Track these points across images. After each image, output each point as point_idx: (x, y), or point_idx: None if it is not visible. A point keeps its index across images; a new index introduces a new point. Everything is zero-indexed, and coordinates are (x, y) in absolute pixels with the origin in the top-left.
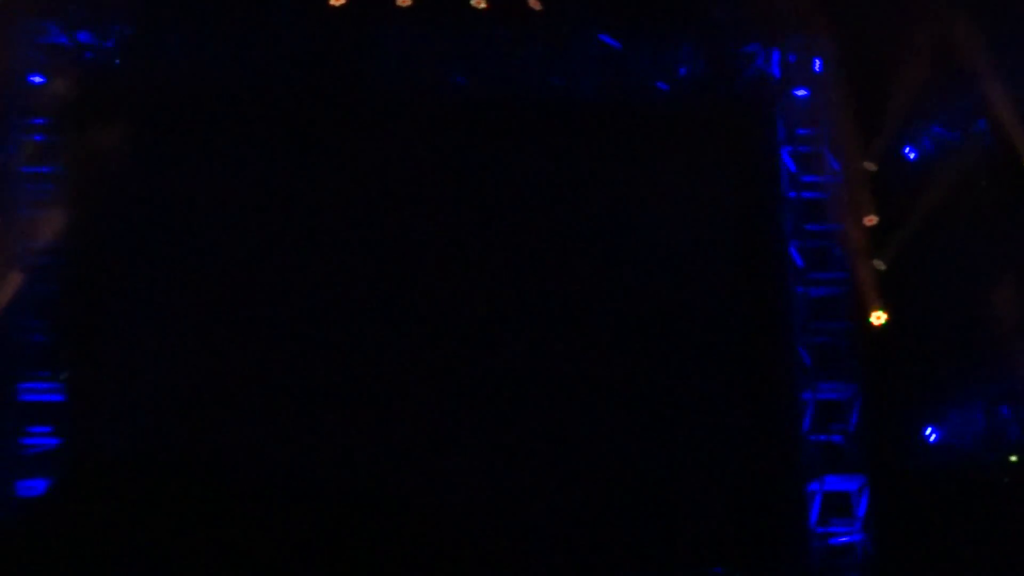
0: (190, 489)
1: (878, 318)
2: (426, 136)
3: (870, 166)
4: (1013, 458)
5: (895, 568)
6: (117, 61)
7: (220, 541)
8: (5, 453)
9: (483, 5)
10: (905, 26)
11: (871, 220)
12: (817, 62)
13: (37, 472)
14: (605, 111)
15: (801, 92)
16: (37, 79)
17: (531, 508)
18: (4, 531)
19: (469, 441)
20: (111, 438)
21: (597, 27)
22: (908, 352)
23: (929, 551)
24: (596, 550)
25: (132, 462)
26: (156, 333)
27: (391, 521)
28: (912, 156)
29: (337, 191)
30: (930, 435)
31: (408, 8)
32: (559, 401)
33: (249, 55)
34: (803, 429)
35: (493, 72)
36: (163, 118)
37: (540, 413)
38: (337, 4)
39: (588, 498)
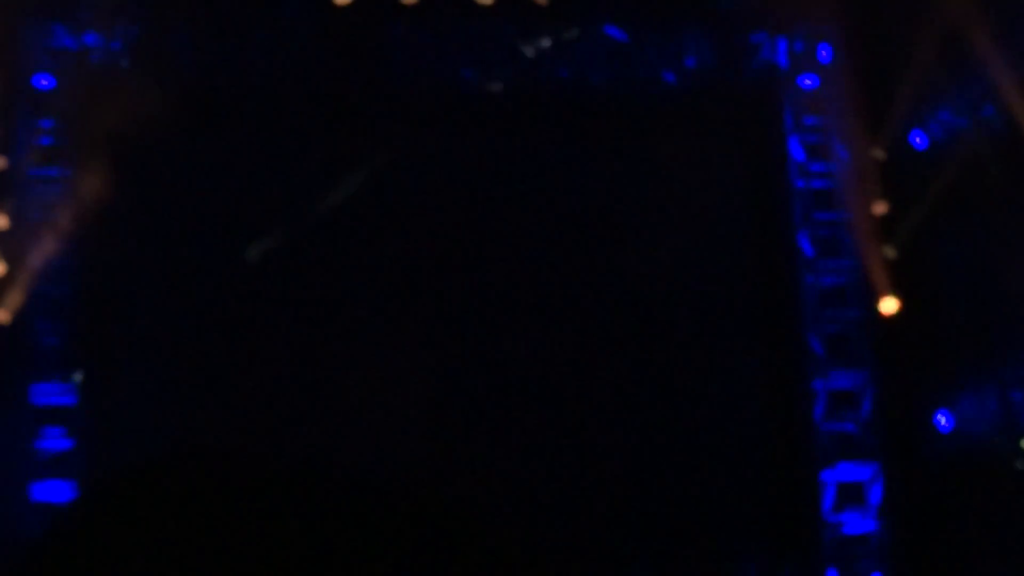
0: (213, 489)
1: (889, 306)
2: (435, 131)
3: (879, 154)
4: None
5: (910, 556)
6: (124, 63)
7: (250, 539)
8: (18, 456)
9: (488, 1)
10: (912, 13)
11: (881, 208)
12: (824, 51)
13: (51, 474)
14: (613, 103)
15: (808, 81)
16: (44, 81)
17: (540, 503)
18: (30, 540)
19: (484, 436)
20: (126, 439)
21: (603, 20)
22: (920, 339)
23: (943, 538)
24: (606, 542)
25: (159, 463)
26: (169, 334)
27: (422, 515)
28: (921, 143)
29: (347, 190)
30: (942, 422)
31: (414, 6)
32: (564, 393)
33: (256, 57)
34: (815, 418)
35: (500, 66)
36: (172, 120)
37: (545, 406)
38: (342, 3)
39: (597, 491)
